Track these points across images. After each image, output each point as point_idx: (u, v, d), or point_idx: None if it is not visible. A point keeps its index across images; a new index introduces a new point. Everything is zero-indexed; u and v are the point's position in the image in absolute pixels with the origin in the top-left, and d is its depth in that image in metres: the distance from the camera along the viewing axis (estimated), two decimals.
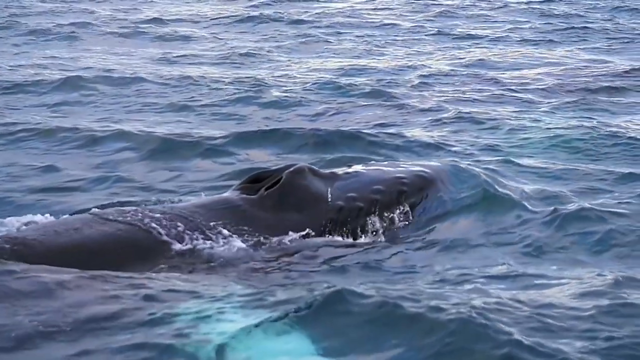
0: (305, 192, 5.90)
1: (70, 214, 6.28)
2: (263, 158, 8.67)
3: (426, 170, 6.58)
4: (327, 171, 6.31)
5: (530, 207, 6.71)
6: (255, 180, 6.06)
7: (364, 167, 6.58)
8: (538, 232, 6.36)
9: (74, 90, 11.58)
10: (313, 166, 6.22)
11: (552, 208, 6.65)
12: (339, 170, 6.40)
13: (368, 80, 12.81)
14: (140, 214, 5.64)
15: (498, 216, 6.59)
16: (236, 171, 8.20)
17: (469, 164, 7.33)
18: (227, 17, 19.13)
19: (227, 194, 6.07)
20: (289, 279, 5.40)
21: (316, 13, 19.38)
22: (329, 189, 6.03)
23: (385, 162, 7.07)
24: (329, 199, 5.96)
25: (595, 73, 13.24)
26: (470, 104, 11.48)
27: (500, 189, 6.91)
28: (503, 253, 6.04)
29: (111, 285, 5.00)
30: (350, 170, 6.44)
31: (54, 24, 17.49)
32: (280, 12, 19.33)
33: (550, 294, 5.14)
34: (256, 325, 4.41)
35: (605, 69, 13.47)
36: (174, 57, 14.69)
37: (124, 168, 8.37)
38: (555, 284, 5.38)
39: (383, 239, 6.04)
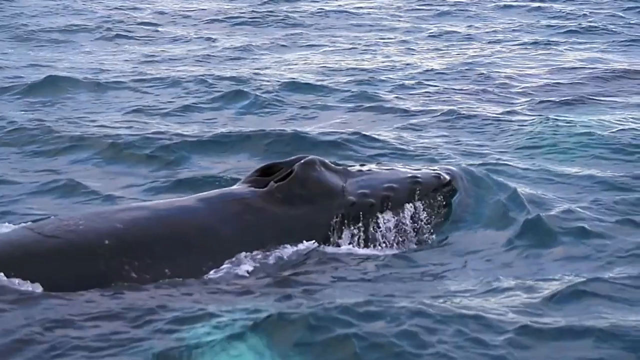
0: (317, 186, 5.75)
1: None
2: (227, 164, 8.36)
3: (441, 172, 6.44)
4: (340, 167, 6.18)
5: (536, 217, 6.47)
6: (265, 172, 5.90)
7: (377, 166, 6.47)
8: (533, 244, 6.16)
9: (43, 95, 11.27)
10: (325, 160, 6.05)
11: (552, 215, 6.51)
12: (353, 168, 6.29)
13: (352, 81, 12.43)
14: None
15: (504, 224, 6.42)
16: (199, 177, 7.90)
17: (483, 169, 7.17)
18: (218, 16, 18.76)
19: (235, 186, 5.90)
20: (286, 283, 5.18)
21: (310, 12, 18.96)
22: (341, 184, 5.90)
23: (400, 164, 6.96)
24: (341, 194, 5.82)
25: (590, 74, 12.79)
26: (458, 106, 11.04)
27: (505, 196, 6.76)
28: (503, 264, 5.86)
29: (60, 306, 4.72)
30: (363, 167, 6.32)
31: (43, 26, 17.17)
32: (274, 12, 18.95)
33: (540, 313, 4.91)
34: (237, 337, 4.28)
35: (600, 69, 13.01)
36: (156, 58, 14.34)
37: (82, 174, 8.02)
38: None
39: (392, 237, 5.90)
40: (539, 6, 19.88)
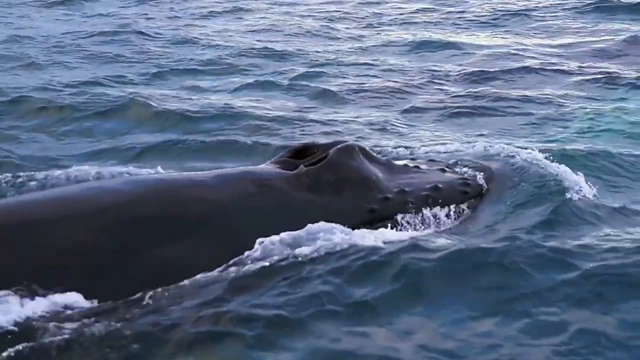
0: (350, 175, 5.20)
1: None
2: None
3: (492, 172, 5.77)
4: (383, 158, 5.67)
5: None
6: (298, 154, 5.40)
7: (425, 162, 5.93)
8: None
9: None
10: (366, 147, 5.51)
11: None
12: (399, 161, 5.76)
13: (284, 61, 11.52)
14: None
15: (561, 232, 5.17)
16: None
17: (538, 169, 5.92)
18: None
19: (262, 165, 5.42)
20: (290, 277, 4.50)
21: None
22: (379, 176, 5.33)
23: (451, 160, 6.16)
24: (376, 187, 5.25)
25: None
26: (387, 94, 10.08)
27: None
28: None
29: None
30: (410, 163, 5.78)
31: None
32: None
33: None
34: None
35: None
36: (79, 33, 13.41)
37: None
38: None
39: (424, 242, 4.90)
40: None
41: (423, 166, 5.74)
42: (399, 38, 12.84)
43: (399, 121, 8.63)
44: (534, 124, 8.66)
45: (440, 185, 5.38)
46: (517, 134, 8.08)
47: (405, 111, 9.11)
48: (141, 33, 12.82)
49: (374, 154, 5.51)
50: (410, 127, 8.42)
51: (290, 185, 5.05)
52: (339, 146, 5.28)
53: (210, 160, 7.23)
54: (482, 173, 5.72)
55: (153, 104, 8.77)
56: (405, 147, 7.35)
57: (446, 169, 5.76)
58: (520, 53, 12.10)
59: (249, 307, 4.09)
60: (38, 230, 4.39)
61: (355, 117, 8.67)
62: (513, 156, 6.00)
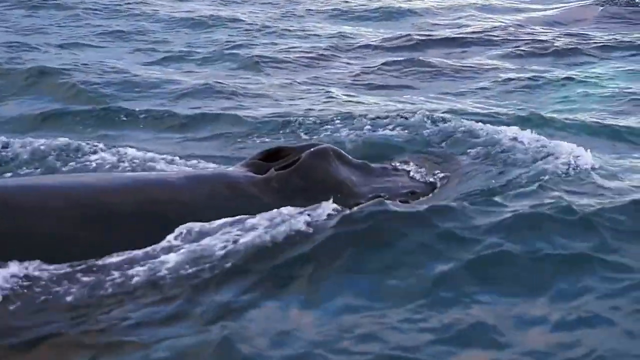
0: (322, 179, 4.98)
1: None
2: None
3: (459, 165, 5.59)
4: (360, 161, 5.37)
5: None
6: (272, 155, 5.16)
7: (407, 162, 5.68)
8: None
9: None
10: (341, 150, 5.26)
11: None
12: (376, 164, 5.51)
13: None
14: None
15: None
16: None
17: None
18: None
19: (232, 168, 5.24)
20: (255, 284, 4.13)
21: None
22: (353, 180, 5.12)
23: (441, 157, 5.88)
24: (349, 192, 5.00)
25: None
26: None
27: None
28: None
29: None
30: (389, 164, 5.61)
31: None
32: None
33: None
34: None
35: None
36: None
37: None
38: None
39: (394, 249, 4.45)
40: None
41: (402, 167, 5.53)
42: (334, 6, 12.48)
43: (319, 91, 8.27)
44: (465, 92, 8.42)
45: (417, 190, 5.16)
46: (446, 104, 7.78)
47: (327, 79, 8.77)
48: (64, 4, 12.37)
49: (350, 157, 5.23)
50: (330, 96, 8.06)
51: (259, 190, 4.82)
52: (312, 149, 5.02)
53: (113, 131, 6.95)
54: (450, 169, 5.49)
55: (60, 76, 8.35)
56: (318, 118, 7.05)
57: (424, 169, 5.52)
58: (458, 21, 11.81)
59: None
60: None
61: (271, 87, 8.31)
62: (482, 137, 5.79)
